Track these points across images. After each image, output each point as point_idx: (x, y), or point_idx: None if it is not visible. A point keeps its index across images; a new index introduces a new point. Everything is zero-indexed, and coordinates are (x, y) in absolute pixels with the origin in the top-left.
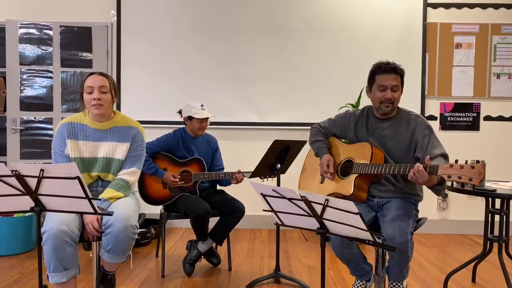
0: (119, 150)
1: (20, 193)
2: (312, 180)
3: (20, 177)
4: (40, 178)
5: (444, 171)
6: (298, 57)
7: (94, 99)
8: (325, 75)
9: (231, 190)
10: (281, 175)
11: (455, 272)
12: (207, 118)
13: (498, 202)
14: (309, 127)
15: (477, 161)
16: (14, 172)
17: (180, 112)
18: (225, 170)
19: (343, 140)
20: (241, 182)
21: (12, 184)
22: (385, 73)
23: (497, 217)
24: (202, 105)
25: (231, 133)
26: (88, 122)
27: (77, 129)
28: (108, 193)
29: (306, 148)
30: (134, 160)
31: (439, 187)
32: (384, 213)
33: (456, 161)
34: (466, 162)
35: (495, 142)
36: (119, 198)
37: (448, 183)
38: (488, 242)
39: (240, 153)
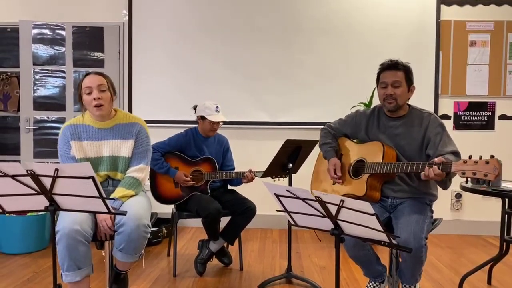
0: (124, 148)
1: (35, 192)
2: (324, 181)
3: (35, 177)
4: (54, 178)
5: (458, 167)
6: (309, 55)
7: (94, 99)
8: (337, 74)
9: (242, 189)
10: (293, 175)
11: (470, 274)
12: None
13: None
14: (321, 127)
15: (492, 156)
16: (29, 172)
17: (195, 108)
18: (236, 170)
19: (354, 141)
20: (252, 181)
21: (27, 183)
22: (387, 70)
23: None
24: (217, 107)
25: (242, 132)
26: (90, 122)
27: (80, 130)
28: (119, 192)
29: (318, 148)
30: (141, 157)
31: (445, 179)
32: (398, 215)
33: (470, 157)
34: (480, 157)
35: (511, 142)
36: (130, 196)
37: (464, 184)
38: (505, 243)
39: (251, 153)
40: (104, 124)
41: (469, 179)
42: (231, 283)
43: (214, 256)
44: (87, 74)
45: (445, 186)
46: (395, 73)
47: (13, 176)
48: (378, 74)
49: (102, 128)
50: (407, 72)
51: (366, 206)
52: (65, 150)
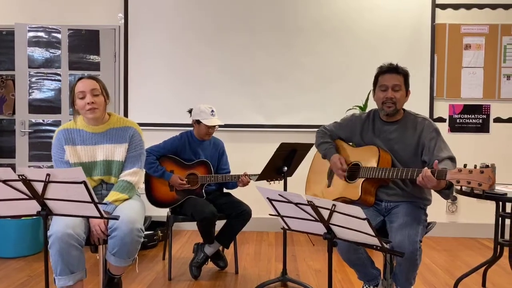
0: (118, 152)
1: (26, 197)
2: (319, 184)
3: (27, 182)
4: (46, 183)
5: (453, 176)
6: (306, 58)
7: (88, 103)
8: (332, 76)
9: (238, 193)
10: (288, 178)
11: (465, 277)
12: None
13: (508, 206)
14: (316, 129)
15: (487, 166)
16: (20, 177)
17: (190, 111)
18: (231, 173)
19: (350, 143)
20: (247, 185)
21: (19, 188)
22: (387, 73)
23: (507, 221)
24: (212, 111)
25: (237, 135)
26: (84, 126)
27: (73, 135)
28: (112, 196)
29: (313, 151)
30: (134, 161)
31: (447, 191)
32: (392, 218)
33: (465, 165)
34: (475, 166)
35: (505, 144)
36: (124, 200)
37: (458, 187)
38: (499, 246)
39: (246, 156)
40: (97, 128)
41: (463, 187)
42: (227, 287)
43: (209, 259)
44: (80, 78)
45: (447, 197)
46: (395, 76)
47: (4, 181)
48: (376, 77)
49: (96, 132)
50: (406, 76)
51: (358, 211)
52: (59, 155)
